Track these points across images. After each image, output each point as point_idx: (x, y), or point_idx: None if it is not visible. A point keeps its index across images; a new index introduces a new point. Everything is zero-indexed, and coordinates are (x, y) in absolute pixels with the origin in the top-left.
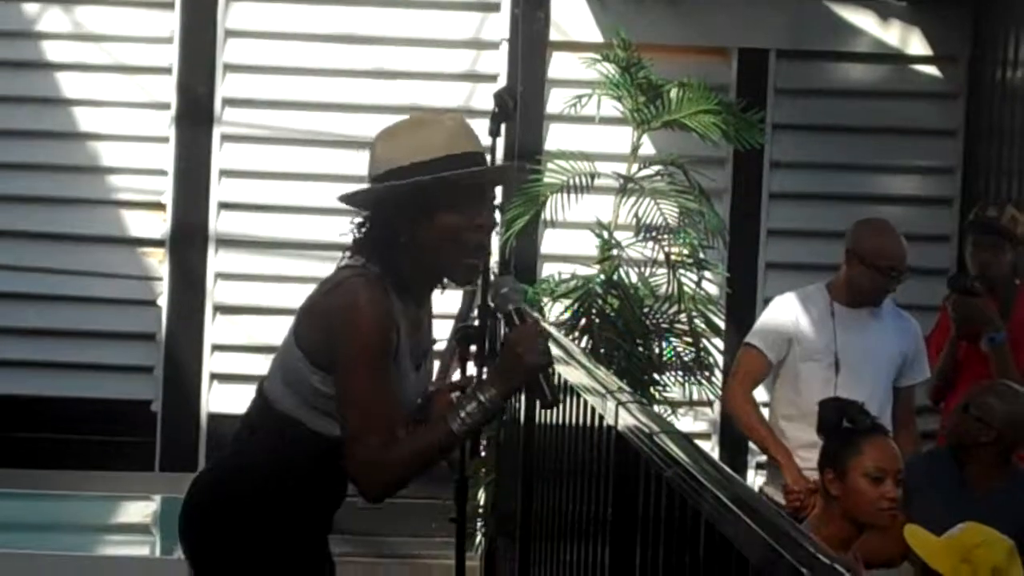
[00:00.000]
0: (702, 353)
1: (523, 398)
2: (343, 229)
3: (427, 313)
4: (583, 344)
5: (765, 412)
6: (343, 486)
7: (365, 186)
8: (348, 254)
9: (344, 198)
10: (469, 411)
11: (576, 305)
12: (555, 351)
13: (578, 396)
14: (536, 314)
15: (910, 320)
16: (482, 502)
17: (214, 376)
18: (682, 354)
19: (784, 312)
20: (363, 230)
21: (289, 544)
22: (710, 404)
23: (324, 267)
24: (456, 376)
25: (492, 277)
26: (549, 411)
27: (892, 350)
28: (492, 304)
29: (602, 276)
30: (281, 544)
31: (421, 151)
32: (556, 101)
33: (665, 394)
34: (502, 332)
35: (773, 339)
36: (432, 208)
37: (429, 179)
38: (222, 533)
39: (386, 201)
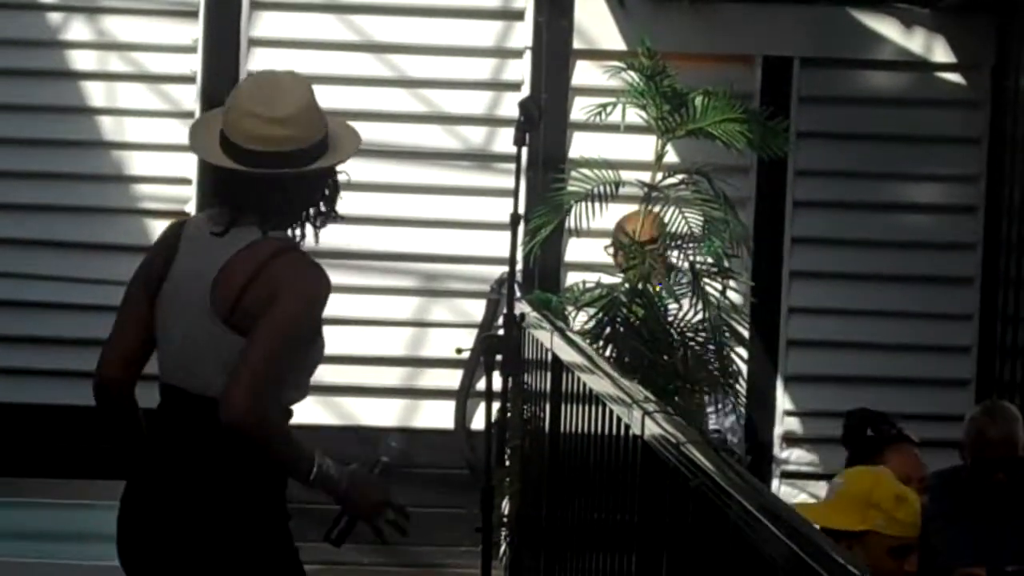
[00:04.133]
0: (726, 362)
1: (547, 406)
2: (366, 236)
3: None
4: (608, 353)
5: None
6: None
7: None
8: (236, 225)
9: (294, 160)
10: (327, 471)
11: (600, 314)
12: (579, 359)
13: (604, 405)
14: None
15: None
16: (507, 512)
17: None
18: (707, 363)
19: None
20: (272, 200)
21: (280, 519)
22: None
23: (344, 275)
24: (481, 384)
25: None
26: (573, 418)
27: None
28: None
29: (626, 285)
30: (277, 522)
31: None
32: (580, 109)
33: None
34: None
35: None
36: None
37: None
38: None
39: (318, 172)
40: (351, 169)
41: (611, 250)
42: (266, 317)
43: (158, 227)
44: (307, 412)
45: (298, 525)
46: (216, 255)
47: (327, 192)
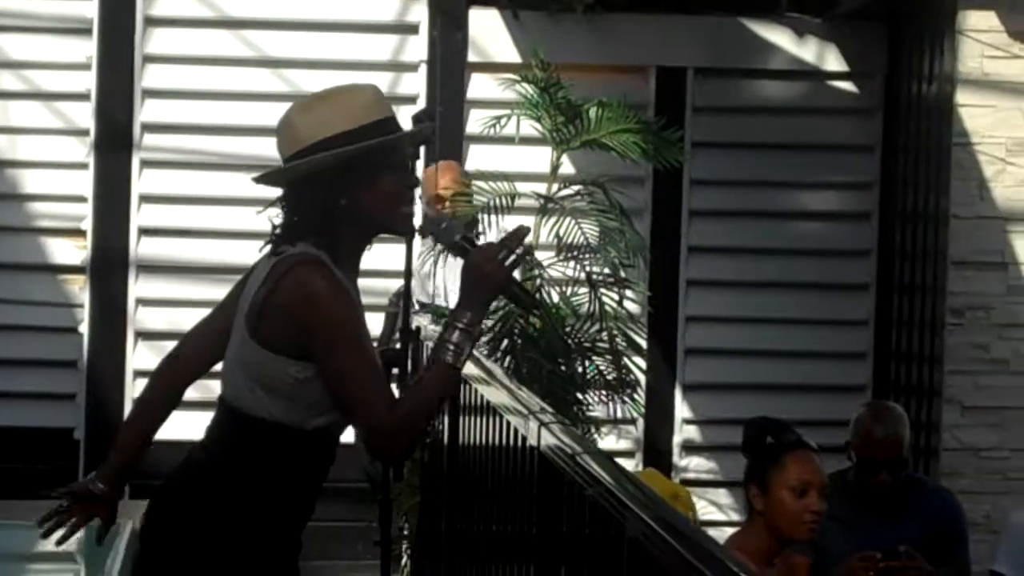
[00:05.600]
0: (624, 371)
1: (446, 419)
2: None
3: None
4: (505, 364)
5: None
6: (320, 481)
7: (297, 161)
8: (274, 243)
9: (275, 174)
10: (456, 340)
11: (498, 325)
12: (476, 371)
13: (500, 417)
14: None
15: None
16: (408, 524)
17: None
18: (605, 373)
19: None
20: (288, 213)
21: (267, 559)
22: (633, 422)
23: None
24: None
25: (413, 296)
26: (471, 430)
27: None
28: (438, 242)
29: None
30: (260, 559)
31: (351, 120)
32: (476, 122)
33: (588, 413)
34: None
35: None
36: (374, 172)
37: (378, 142)
38: (204, 555)
39: (323, 172)
40: (242, 184)
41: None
42: (321, 358)
43: (53, 245)
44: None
45: None
46: (260, 273)
47: (343, 201)
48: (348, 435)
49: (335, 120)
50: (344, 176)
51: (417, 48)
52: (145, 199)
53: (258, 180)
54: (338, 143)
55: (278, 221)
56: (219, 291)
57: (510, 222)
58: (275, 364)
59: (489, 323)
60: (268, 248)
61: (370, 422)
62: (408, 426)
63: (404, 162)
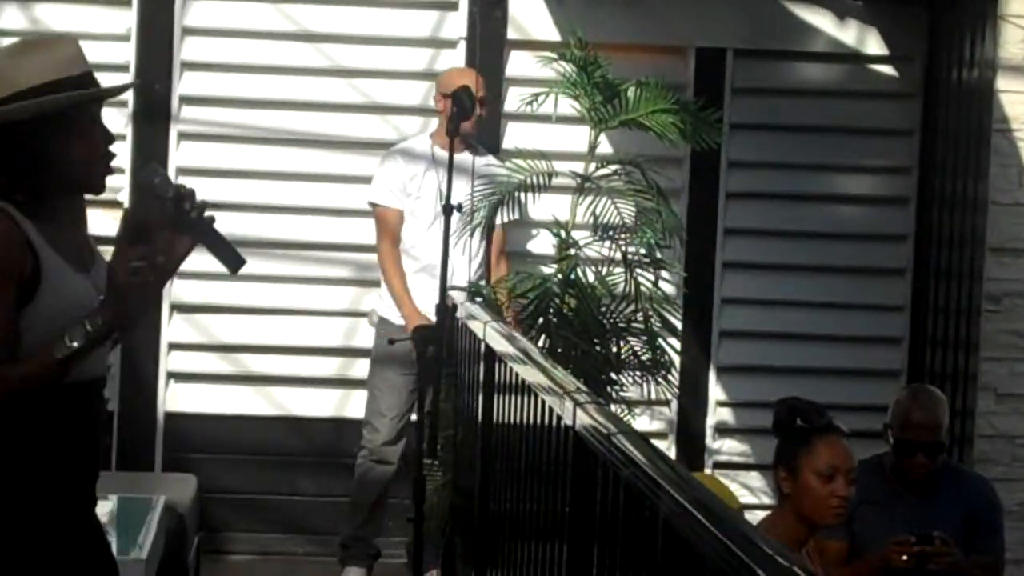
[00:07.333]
0: (658, 352)
1: (480, 397)
2: (302, 226)
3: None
4: (540, 343)
5: None
6: (89, 432)
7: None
8: None
9: None
10: (75, 340)
11: (533, 305)
12: (511, 350)
13: (535, 395)
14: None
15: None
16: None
17: (171, 375)
18: (639, 353)
19: (392, 165)
20: None
21: (51, 518)
22: (667, 403)
23: (280, 265)
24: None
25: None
26: (506, 408)
27: None
28: (149, 187)
29: (559, 275)
30: (43, 519)
31: (57, 70)
32: (513, 100)
33: (622, 394)
34: None
35: (389, 190)
36: (82, 122)
37: (92, 92)
38: None
39: (27, 121)
40: (281, 158)
41: (440, 104)
42: None
43: (90, 217)
44: (240, 402)
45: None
46: None
47: (41, 152)
48: None
49: (42, 69)
50: (44, 127)
51: (456, 24)
52: (183, 171)
53: None
54: (42, 93)
55: None
56: (253, 264)
57: (547, 200)
58: None
59: (524, 301)
60: None
61: None
62: None
63: (99, 116)
